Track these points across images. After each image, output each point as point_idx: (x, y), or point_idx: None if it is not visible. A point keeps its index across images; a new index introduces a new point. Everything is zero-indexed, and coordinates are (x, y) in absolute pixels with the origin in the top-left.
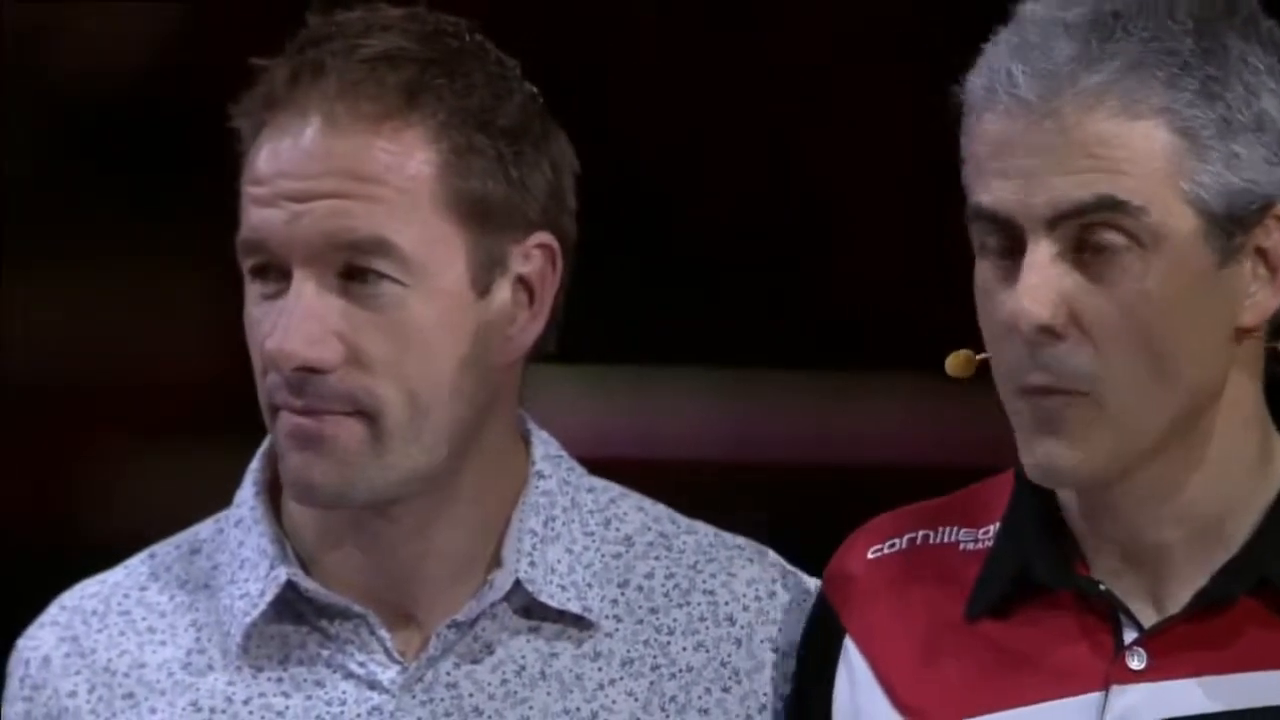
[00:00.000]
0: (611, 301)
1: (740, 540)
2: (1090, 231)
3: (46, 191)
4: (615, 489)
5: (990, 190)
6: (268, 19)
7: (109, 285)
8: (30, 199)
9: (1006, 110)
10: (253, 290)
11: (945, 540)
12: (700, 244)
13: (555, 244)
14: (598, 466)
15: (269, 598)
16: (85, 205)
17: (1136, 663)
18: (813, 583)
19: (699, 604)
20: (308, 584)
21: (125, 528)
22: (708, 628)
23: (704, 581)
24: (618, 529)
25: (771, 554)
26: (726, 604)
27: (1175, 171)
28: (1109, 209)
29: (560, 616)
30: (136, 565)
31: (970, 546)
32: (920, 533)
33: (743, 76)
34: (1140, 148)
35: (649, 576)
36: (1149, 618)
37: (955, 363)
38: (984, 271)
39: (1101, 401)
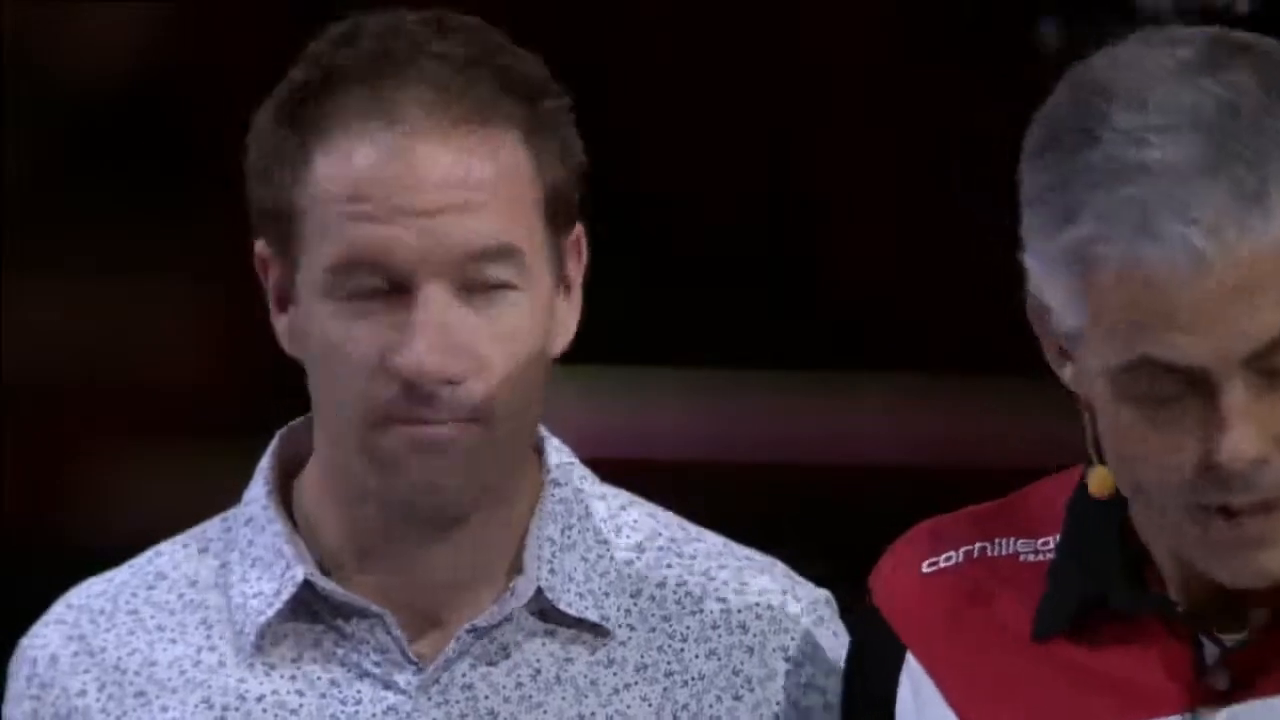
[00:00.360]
0: (604, 301)
1: (749, 550)
2: (1276, 355)
3: (46, 191)
4: (624, 496)
5: (1170, 345)
6: (269, 20)
7: (108, 286)
8: (30, 199)
9: (1175, 266)
10: (341, 308)
11: (1003, 552)
12: (695, 244)
13: (583, 235)
14: (590, 467)
15: (285, 596)
16: (85, 206)
17: (1222, 683)
18: (821, 594)
19: (712, 611)
20: (325, 583)
21: (124, 529)
22: (720, 635)
23: (716, 589)
24: (629, 536)
25: (780, 565)
26: (739, 612)
27: None
28: None
29: (576, 623)
30: (143, 564)
31: (1030, 558)
32: (977, 545)
33: (738, 76)
34: None
35: (661, 585)
36: (1230, 634)
37: (1103, 484)
38: (1132, 414)
39: None
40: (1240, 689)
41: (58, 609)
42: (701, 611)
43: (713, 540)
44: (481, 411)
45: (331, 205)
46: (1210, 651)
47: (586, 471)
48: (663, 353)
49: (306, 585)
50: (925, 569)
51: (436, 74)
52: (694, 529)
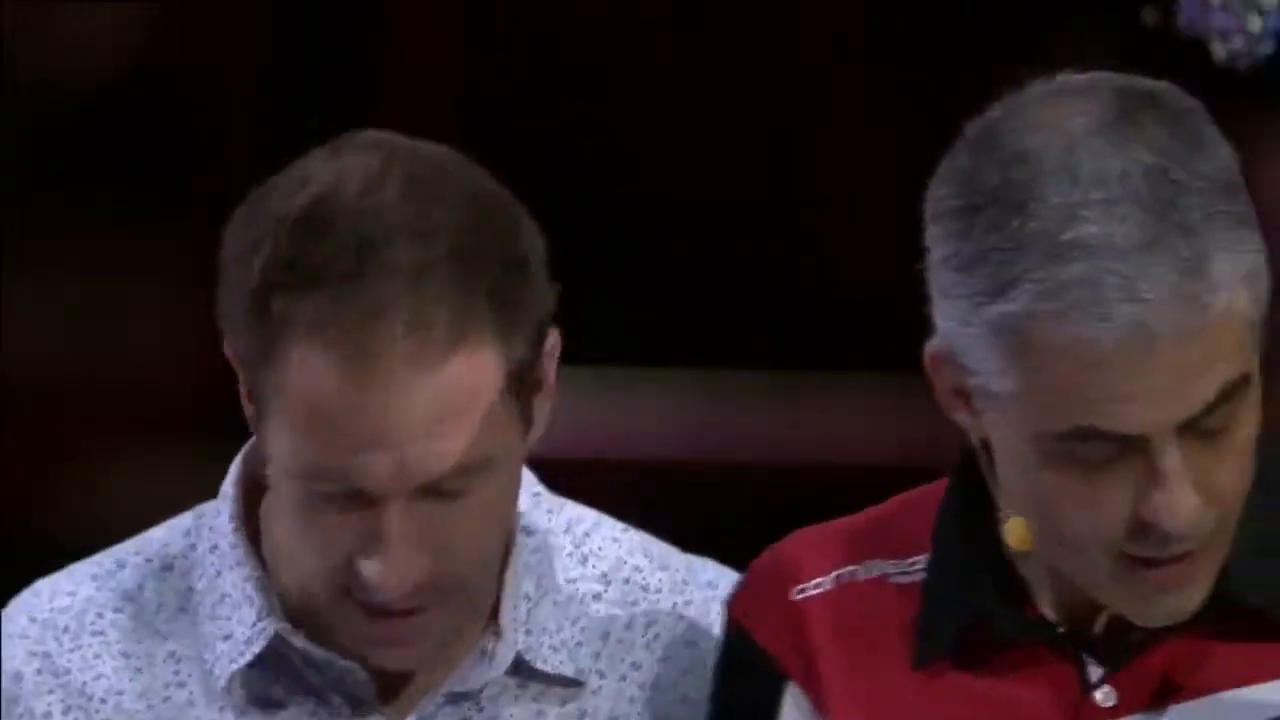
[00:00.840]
0: (606, 301)
1: (710, 573)
2: (1210, 415)
3: (46, 191)
4: (589, 518)
5: (1110, 416)
6: (269, 20)
7: (108, 286)
8: (30, 199)
9: (1125, 347)
10: (305, 496)
11: (872, 575)
12: (692, 244)
13: (557, 332)
14: (576, 467)
15: (256, 649)
16: (85, 206)
17: (1105, 700)
18: None
19: (681, 658)
20: (297, 641)
21: (124, 529)
22: (690, 681)
23: (684, 631)
24: (594, 566)
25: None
26: (707, 655)
27: (1255, 317)
28: (1234, 389)
29: (550, 677)
30: (105, 579)
31: (901, 580)
32: (846, 569)
33: (738, 76)
34: (1238, 319)
35: (629, 627)
36: (1112, 650)
37: (1023, 539)
38: (1062, 476)
39: (1225, 535)
40: (1125, 705)
41: (20, 621)
42: (671, 658)
43: (677, 565)
44: (452, 590)
45: (295, 417)
46: (1094, 670)
47: (550, 497)
48: (645, 353)
49: (278, 636)
50: (794, 595)
51: (404, 292)
52: (658, 552)
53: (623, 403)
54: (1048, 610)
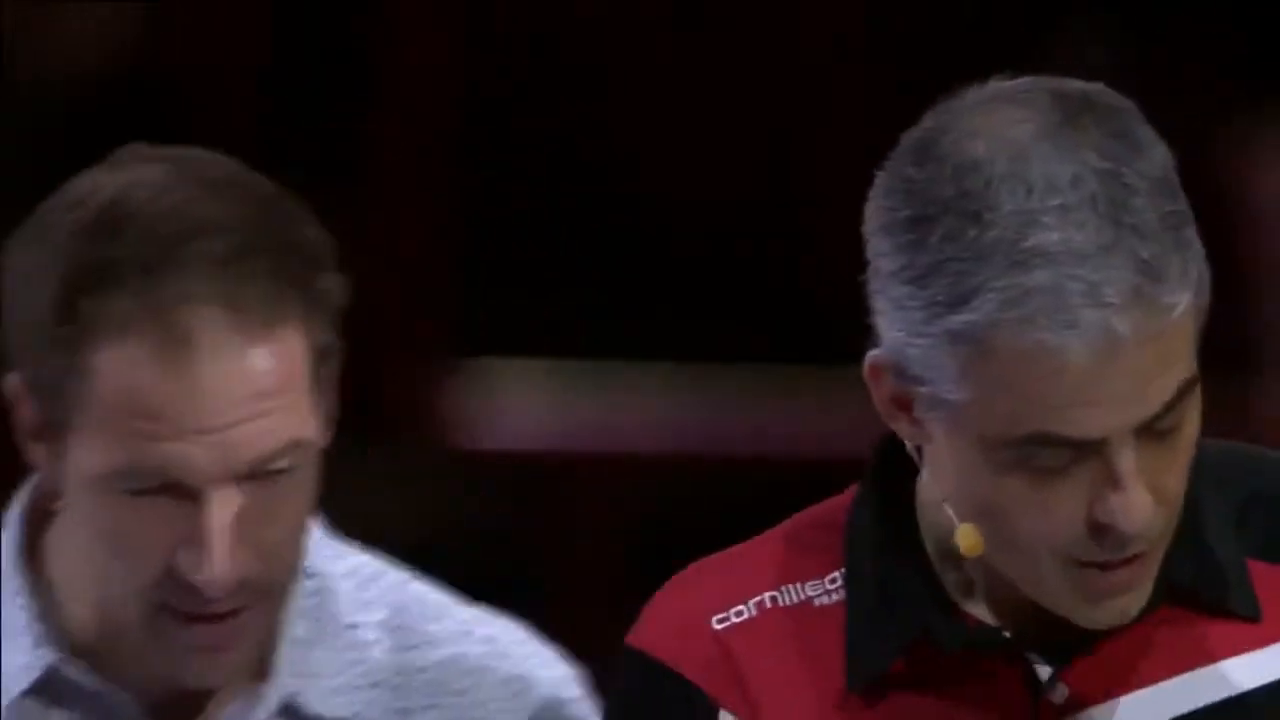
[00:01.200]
0: (593, 300)
1: (490, 628)
2: (1165, 416)
3: (45, 191)
4: (371, 566)
5: (1069, 421)
6: (268, 20)
7: None
8: (29, 199)
9: (1094, 351)
10: (117, 500)
11: (795, 600)
12: (683, 244)
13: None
14: (579, 461)
15: (34, 676)
16: None
17: (1059, 697)
18: (563, 667)
19: (451, 705)
20: (70, 672)
21: None
22: None
23: (455, 680)
24: (374, 613)
25: (529, 643)
26: (475, 707)
27: (1201, 317)
28: (1187, 388)
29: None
30: None
31: (824, 601)
32: (766, 595)
33: (727, 77)
34: (1190, 319)
35: (400, 672)
36: (1054, 649)
37: (975, 545)
38: (1016, 483)
39: (1168, 534)
40: (1077, 701)
41: None
42: (439, 706)
43: (457, 617)
44: (264, 592)
45: (110, 416)
46: (1042, 670)
47: (335, 547)
48: (634, 348)
49: (53, 666)
50: (715, 625)
51: (214, 276)
52: (439, 603)
53: (625, 398)
54: (981, 615)
